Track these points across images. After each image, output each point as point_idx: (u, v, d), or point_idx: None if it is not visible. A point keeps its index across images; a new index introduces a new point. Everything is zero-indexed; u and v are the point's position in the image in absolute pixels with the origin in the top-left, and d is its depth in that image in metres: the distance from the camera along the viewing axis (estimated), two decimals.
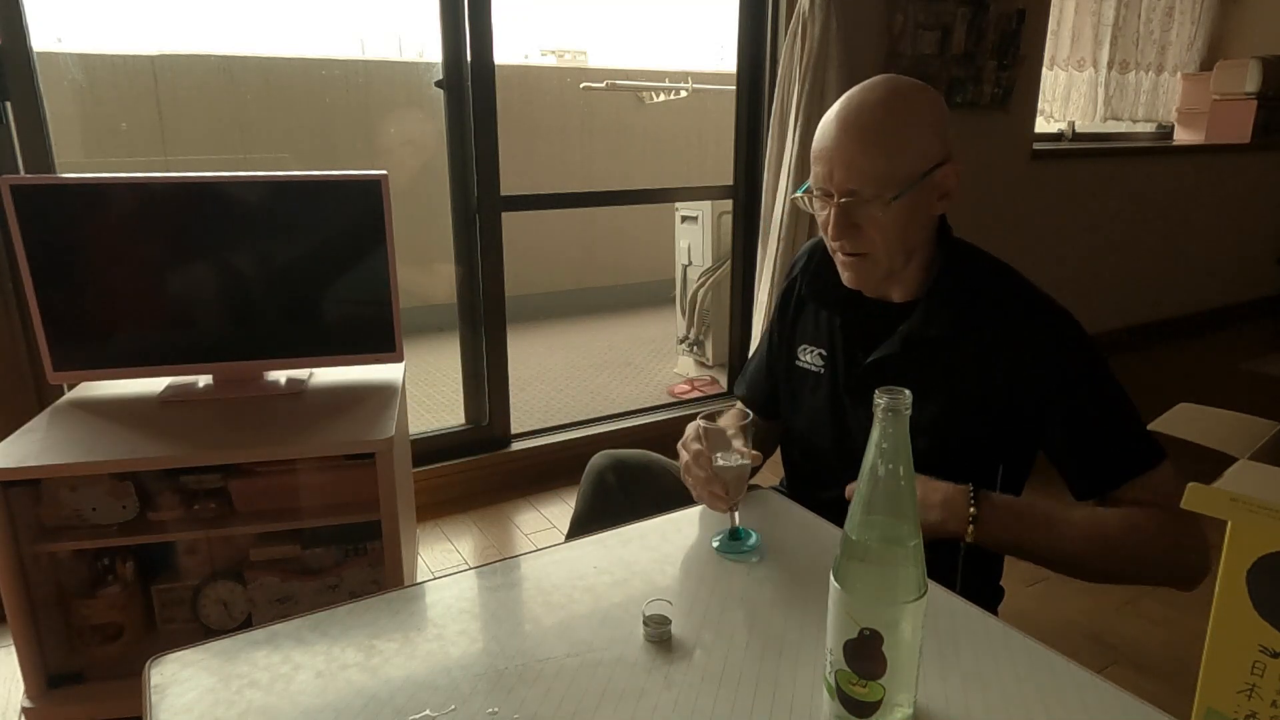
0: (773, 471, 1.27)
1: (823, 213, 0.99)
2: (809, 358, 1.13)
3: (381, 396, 1.58)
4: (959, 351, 1.00)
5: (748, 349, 2.70)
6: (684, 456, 0.99)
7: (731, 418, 1.09)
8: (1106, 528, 0.93)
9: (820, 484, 1.17)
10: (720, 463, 0.94)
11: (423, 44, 4.35)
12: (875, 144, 0.93)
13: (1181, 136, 4.17)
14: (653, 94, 5.22)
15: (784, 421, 1.20)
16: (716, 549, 0.94)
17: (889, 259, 0.99)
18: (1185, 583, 0.94)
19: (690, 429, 1.00)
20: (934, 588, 0.80)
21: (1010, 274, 1.04)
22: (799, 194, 1.03)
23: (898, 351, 1.02)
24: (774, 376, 1.20)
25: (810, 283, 1.13)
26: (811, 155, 0.99)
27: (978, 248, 1.06)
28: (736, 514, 0.95)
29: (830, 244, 1.02)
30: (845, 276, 1.03)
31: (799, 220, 2.45)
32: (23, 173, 1.72)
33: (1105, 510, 0.95)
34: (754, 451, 0.96)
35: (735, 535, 0.95)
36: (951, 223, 1.07)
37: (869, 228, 0.96)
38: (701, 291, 3.62)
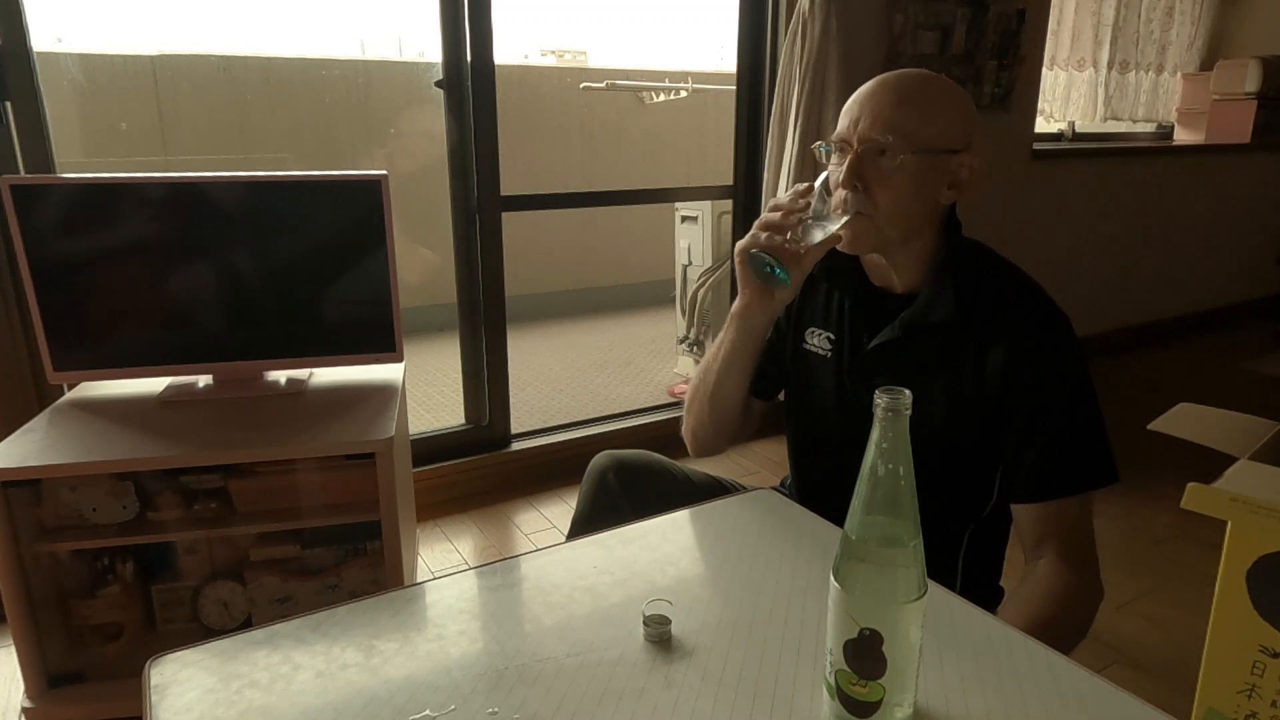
0: (773, 472, 1.28)
1: (836, 167, 1.00)
2: (816, 341, 1.13)
3: (381, 396, 1.58)
4: (958, 341, 1.00)
5: None
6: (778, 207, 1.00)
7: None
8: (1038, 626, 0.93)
9: (824, 464, 1.17)
10: (818, 220, 0.95)
11: (423, 44, 4.35)
12: (909, 102, 0.96)
13: (1181, 136, 4.17)
14: (653, 94, 5.22)
15: (786, 405, 1.20)
16: (752, 251, 0.99)
17: (885, 222, 0.99)
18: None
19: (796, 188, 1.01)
20: (934, 588, 0.80)
21: (1014, 271, 1.04)
22: (818, 144, 1.04)
23: (899, 337, 1.03)
24: (774, 357, 1.20)
25: (822, 261, 1.13)
26: (841, 112, 1.01)
27: (986, 246, 1.07)
28: (785, 260, 0.98)
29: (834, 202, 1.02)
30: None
31: None
32: (23, 173, 1.72)
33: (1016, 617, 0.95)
34: (839, 233, 0.97)
35: (772, 265, 0.98)
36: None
37: (875, 184, 0.97)
38: (701, 291, 3.62)
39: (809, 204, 0.98)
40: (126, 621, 1.50)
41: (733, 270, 3.12)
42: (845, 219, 0.97)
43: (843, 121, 1.00)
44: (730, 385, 1.14)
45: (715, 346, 1.16)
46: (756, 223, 1.01)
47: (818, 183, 0.99)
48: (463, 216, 2.27)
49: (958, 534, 1.08)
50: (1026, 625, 0.91)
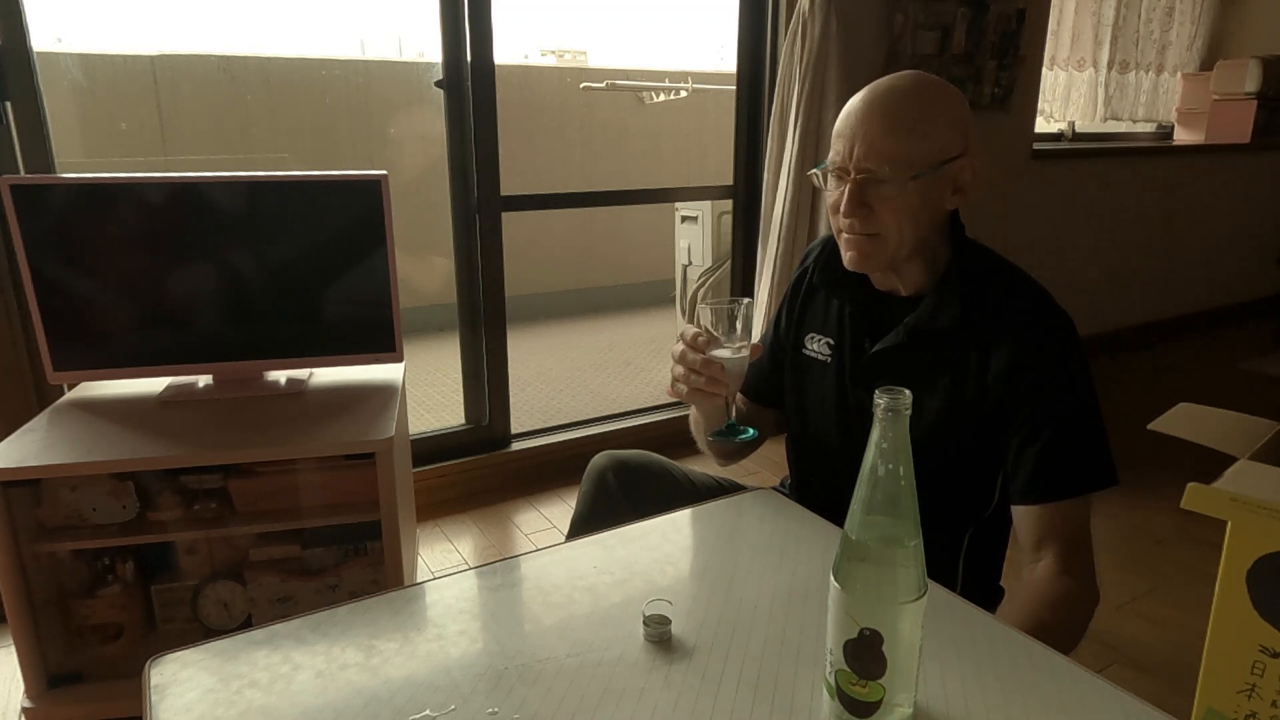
0: (773, 472, 1.28)
1: (835, 191, 1.00)
2: (816, 346, 1.14)
3: (381, 396, 1.58)
4: (962, 346, 1.00)
5: None
6: (678, 347, 0.99)
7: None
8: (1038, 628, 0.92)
9: (824, 469, 1.17)
10: (719, 353, 0.94)
11: (423, 44, 4.35)
12: (898, 127, 0.94)
13: (1181, 136, 4.17)
14: (653, 94, 5.22)
15: (786, 409, 1.21)
16: (711, 438, 0.99)
17: (896, 242, 0.99)
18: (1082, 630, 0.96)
19: (689, 329, 0.99)
20: (934, 588, 0.80)
21: (1019, 274, 1.04)
22: (814, 170, 1.04)
23: (902, 342, 1.03)
24: (777, 363, 1.21)
25: (823, 270, 1.13)
26: (834, 133, 1.00)
27: (990, 249, 1.07)
28: (733, 408, 0.99)
29: (838, 223, 1.01)
30: (848, 257, 1.02)
31: (799, 220, 2.45)
32: (23, 173, 1.72)
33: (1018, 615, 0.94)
34: (755, 343, 0.96)
35: (730, 428, 0.97)
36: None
37: (880, 208, 0.97)
38: (701, 291, 3.62)
39: (715, 347, 0.95)
40: (126, 621, 1.50)
41: (733, 271, 3.11)
42: (751, 336, 0.96)
43: (837, 144, 0.99)
44: (717, 444, 1.18)
45: (691, 416, 1.21)
46: (683, 382, 0.98)
47: (704, 319, 0.95)
48: (462, 216, 2.27)
49: (958, 535, 1.08)
50: (1023, 629, 0.91)
